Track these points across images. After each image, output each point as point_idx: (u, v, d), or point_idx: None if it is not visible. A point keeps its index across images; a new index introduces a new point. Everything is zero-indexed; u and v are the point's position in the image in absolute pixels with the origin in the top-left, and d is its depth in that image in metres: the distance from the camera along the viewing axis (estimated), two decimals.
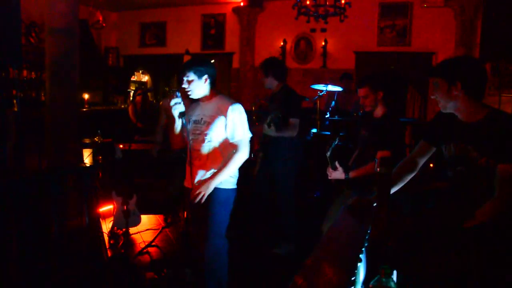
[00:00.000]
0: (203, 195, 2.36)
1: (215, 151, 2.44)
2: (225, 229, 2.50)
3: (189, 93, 2.42)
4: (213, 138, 2.42)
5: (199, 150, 2.44)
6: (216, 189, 2.43)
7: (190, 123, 2.50)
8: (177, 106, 2.35)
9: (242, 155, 2.43)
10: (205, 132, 2.42)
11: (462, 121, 1.80)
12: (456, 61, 1.83)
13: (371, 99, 2.75)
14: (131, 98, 6.40)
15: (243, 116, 2.47)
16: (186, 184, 2.57)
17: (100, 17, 7.03)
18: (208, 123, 2.42)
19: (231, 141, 2.43)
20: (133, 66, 8.12)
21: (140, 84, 7.99)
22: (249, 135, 2.49)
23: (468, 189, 1.83)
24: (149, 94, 7.22)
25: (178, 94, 2.36)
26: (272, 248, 3.51)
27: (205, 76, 2.41)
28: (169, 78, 8.37)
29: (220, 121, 2.41)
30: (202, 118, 2.46)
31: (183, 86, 2.42)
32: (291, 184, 3.53)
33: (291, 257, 3.42)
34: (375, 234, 1.42)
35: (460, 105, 1.76)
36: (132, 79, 7.88)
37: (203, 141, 2.42)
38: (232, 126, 2.41)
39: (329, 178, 2.85)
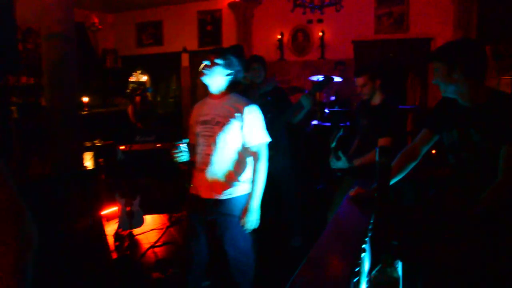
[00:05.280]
0: (251, 222, 2.15)
1: (229, 156, 2.19)
2: (250, 242, 2.27)
3: (205, 75, 2.18)
4: (228, 141, 2.17)
5: (210, 155, 2.18)
6: (234, 199, 2.20)
7: (197, 123, 2.27)
8: (181, 156, 2.22)
9: (263, 163, 2.20)
10: (218, 134, 2.16)
11: (464, 105, 1.78)
12: (455, 44, 1.79)
13: (369, 87, 2.76)
14: (130, 98, 6.39)
15: (261, 119, 2.24)
16: (194, 191, 2.30)
17: (96, 19, 7.01)
18: (222, 124, 2.16)
19: (248, 145, 2.19)
20: (131, 67, 8.11)
21: (139, 84, 7.98)
22: (268, 139, 2.25)
23: (471, 174, 1.81)
24: (148, 94, 7.21)
25: (182, 147, 2.21)
26: (288, 242, 3.52)
27: (230, 71, 2.20)
28: (168, 76, 8.36)
29: (235, 122, 2.15)
30: (213, 118, 2.19)
31: (206, 63, 2.19)
32: (293, 178, 3.52)
33: (297, 249, 3.42)
34: (377, 225, 1.40)
35: (461, 89, 1.73)
36: (131, 79, 7.87)
37: (215, 144, 2.17)
38: (250, 129, 2.17)
39: (332, 167, 2.86)
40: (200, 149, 2.24)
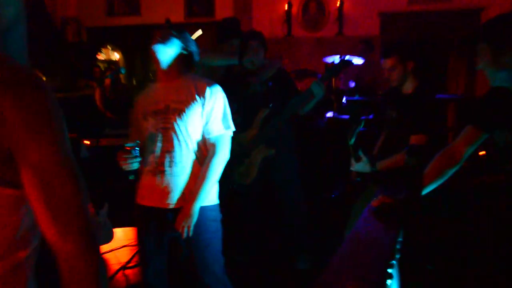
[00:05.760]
0: (189, 228, 2.17)
1: (195, 152, 2.24)
2: (223, 266, 2.32)
3: (157, 44, 2.23)
4: (191, 132, 2.21)
5: (171, 152, 2.19)
6: (204, 209, 2.23)
7: (146, 116, 2.26)
8: (133, 163, 2.19)
9: (222, 157, 2.25)
10: (178, 125, 2.18)
11: None
12: (503, 18, 1.77)
13: (399, 71, 2.78)
14: (98, 81, 6.39)
15: (226, 103, 2.30)
16: (145, 201, 2.27)
17: None
18: (180, 111, 2.18)
19: (207, 136, 2.25)
20: (99, 41, 8.09)
21: (110, 63, 7.98)
22: (233, 129, 2.32)
23: None
24: (121, 76, 7.20)
25: (135, 146, 2.19)
26: (292, 264, 3.53)
27: (184, 46, 2.27)
28: (147, 55, 8.34)
29: (197, 108, 2.20)
30: (168, 105, 2.21)
31: (159, 33, 2.26)
32: (300, 184, 3.53)
33: (305, 274, 3.42)
34: (407, 244, 1.39)
35: None
36: (99, 57, 7.86)
37: (177, 138, 2.19)
38: (211, 116, 2.22)
39: (350, 171, 2.87)
40: (155, 147, 2.22)
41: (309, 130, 4.62)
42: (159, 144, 2.20)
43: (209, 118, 2.22)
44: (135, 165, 2.21)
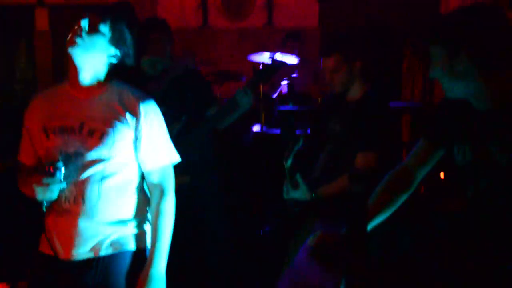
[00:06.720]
0: None
1: (116, 186, 2.18)
2: None
3: (77, 46, 2.08)
4: (114, 161, 2.15)
5: (83, 186, 2.11)
6: (125, 255, 2.20)
7: (48, 132, 2.15)
8: (52, 190, 2.05)
9: (172, 198, 2.26)
10: (97, 151, 2.11)
11: (480, 109, 1.82)
12: (460, 15, 1.82)
13: (343, 73, 2.84)
14: None
15: (163, 123, 2.30)
16: (49, 250, 2.17)
17: None
18: (101, 134, 2.11)
19: (145, 169, 2.24)
20: None
21: None
22: (177, 158, 2.34)
23: (497, 212, 1.85)
24: None
25: (60, 167, 2.03)
26: None
27: (117, 51, 2.21)
28: (10, 47, 8.04)
29: (125, 130, 2.15)
30: (83, 124, 2.13)
31: (83, 27, 2.10)
32: (223, 218, 3.56)
33: None
34: None
35: (472, 86, 1.77)
36: None
37: (92, 167, 2.11)
38: (150, 142, 2.20)
39: (286, 200, 2.93)
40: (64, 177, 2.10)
41: (231, 149, 4.63)
42: (66, 173, 2.08)
43: (145, 144, 2.18)
44: (55, 194, 2.07)
